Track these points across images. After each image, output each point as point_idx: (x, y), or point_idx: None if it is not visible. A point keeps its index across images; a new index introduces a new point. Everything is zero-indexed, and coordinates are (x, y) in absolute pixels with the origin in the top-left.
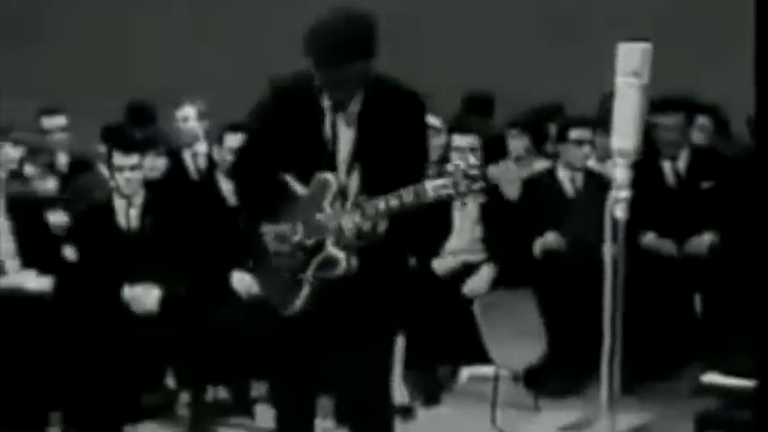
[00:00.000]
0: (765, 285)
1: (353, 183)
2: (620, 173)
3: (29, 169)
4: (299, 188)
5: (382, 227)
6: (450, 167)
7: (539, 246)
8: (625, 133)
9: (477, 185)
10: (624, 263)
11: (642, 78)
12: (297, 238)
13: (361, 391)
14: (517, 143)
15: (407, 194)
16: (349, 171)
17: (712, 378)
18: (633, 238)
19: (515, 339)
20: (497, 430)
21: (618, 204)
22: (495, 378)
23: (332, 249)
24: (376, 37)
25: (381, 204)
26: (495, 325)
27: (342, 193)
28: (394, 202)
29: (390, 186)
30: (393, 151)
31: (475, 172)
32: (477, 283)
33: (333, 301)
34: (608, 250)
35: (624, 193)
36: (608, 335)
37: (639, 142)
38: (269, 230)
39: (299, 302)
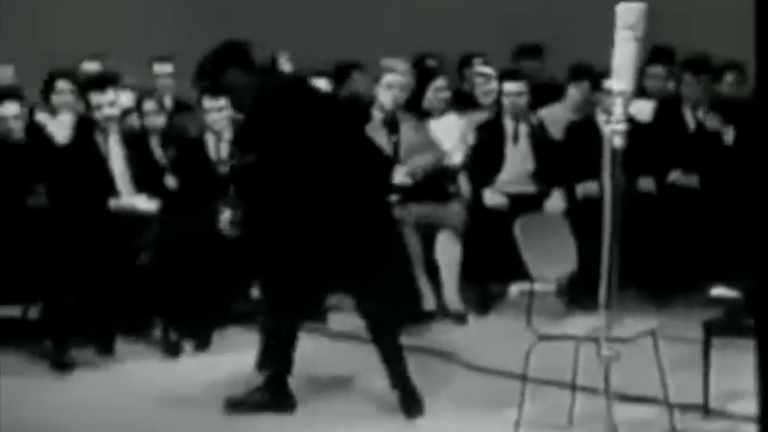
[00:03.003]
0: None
1: None
2: (617, 109)
3: (149, 105)
4: None
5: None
6: None
7: (580, 191)
8: (623, 78)
9: None
10: (622, 188)
11: (637, 32)
12: None
13: None
14: (574, 90)
15: None
16: None
17: (720, 291)
18: (662, 174)
19: (548, 255)
20: (531, 331)
21: (616, 135)
22: (531, 290)
23: None
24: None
25: None
26: (531, 242)
27: None
28: None
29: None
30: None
31: None
32: (555, 203)
33: None
34: (607, 176)
35: (621, 126)
36: (606, 251)
37: (635, 85)
38: None
39: None
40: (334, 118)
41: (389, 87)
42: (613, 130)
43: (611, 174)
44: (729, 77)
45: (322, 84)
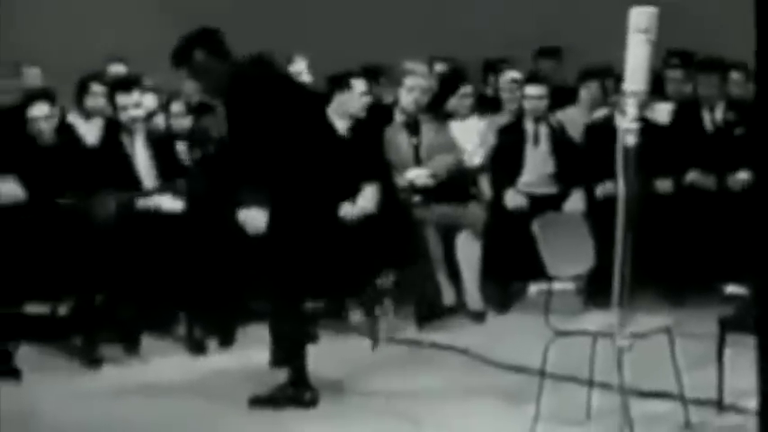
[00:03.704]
0: None
1: None
2: (630, 109)
3: (176, 107)
4: None
5: None
6: None
7: (600, 191)
8: (636, 80)
9: None
10: (639, 188)
11: (650, 35)
12: None
13: None
14: (586, 92)
15: None
16: None
17: (734, 289)
18: (680, 175)
19: (566, 254)
20: (549, 327)
21: (628, 134)
22: (549, 288)
23: None
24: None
25: None
26: (549, 241)
27: None
28: None
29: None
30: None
31: None
32: (574, 203)
33: None
34: (620, 174)
35: (634, 125)
36: (620, 249)
37: (648, 86)
38: None
39: None
40: (307, 104)
41: (411, 90)
42: (626, 129)
43: (625, 172)
44: (735, 76)
45: (359, 85)
